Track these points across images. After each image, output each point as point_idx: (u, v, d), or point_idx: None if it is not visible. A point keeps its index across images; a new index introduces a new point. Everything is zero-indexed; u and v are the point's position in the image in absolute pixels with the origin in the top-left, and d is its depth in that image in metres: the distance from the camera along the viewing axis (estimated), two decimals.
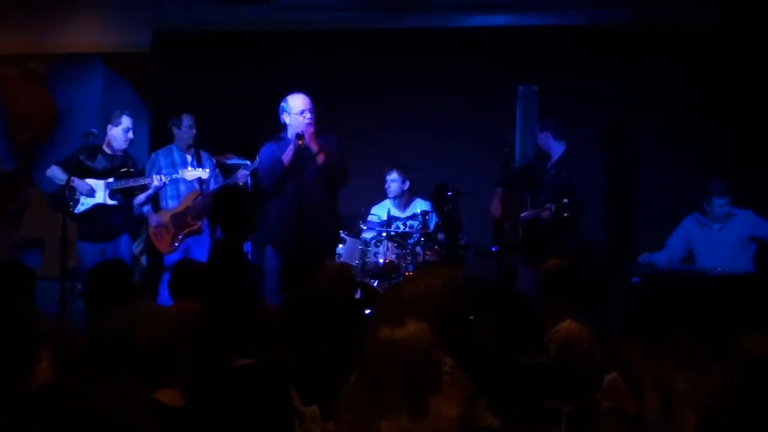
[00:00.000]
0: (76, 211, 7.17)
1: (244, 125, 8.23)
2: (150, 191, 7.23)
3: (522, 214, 7.14)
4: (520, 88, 7.94)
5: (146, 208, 7.40)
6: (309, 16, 8.52)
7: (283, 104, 6.80)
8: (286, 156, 6.68)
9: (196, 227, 7.36)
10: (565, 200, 6.71)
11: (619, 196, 8.08)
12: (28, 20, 8.96)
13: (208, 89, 8.48)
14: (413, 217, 7.68)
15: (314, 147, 6.68)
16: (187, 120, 7.49)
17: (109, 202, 7.17)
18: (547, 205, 6.81)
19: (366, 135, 8.35)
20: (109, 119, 7.34)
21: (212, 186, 7.41)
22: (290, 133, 6.75)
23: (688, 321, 3.46)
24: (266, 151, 6.88)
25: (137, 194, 7.30)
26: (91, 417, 2.11)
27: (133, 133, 7.35)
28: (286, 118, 6.79)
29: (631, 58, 8.02)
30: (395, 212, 7.83)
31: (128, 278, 4.69)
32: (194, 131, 7.50)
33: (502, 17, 8.36)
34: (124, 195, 7.26)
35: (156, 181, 7.11)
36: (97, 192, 7.17)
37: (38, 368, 2.79)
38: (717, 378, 2.93)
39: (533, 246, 6.97)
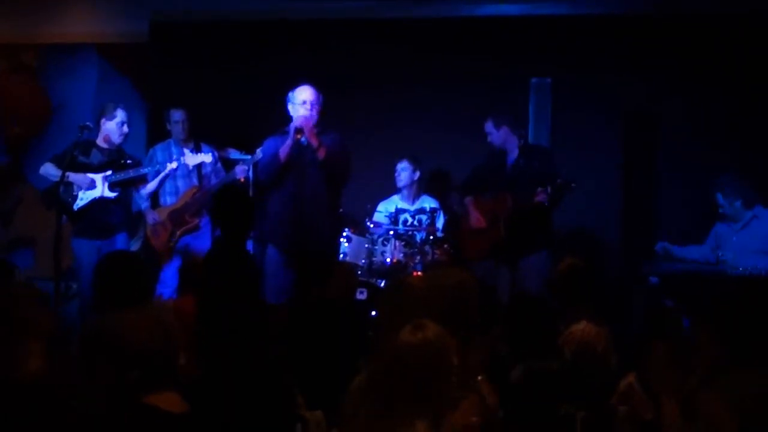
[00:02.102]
0: (75, 207, 6.97)
1: (244, 118, 8.10)
2: (161, 176, 7.09)
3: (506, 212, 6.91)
4: (533, 80, 7.76)
5: (144, 205, 7.28)
6: (312, 6, 8.37)
7: (289, 94, 6.72)
8: (283, 151, 6.60)
9: (193, 224, 7.27)
10: (559, 180, 6.61)
11: (636, 194, 7.84)
12: (17, 9, 8.81)
13: (206, 81, 8.35)
14: (422, 210, 7.46)
15: (314, 142, 6.57)
16: (176, 115, 7.41)
17: (109, 194, 6.98)
18: (540, 189, 6.63)
19: (372, 129, 8.19)
20: (104, 113, 7.17)
21: (213, 181, 7.34)
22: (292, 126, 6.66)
23: (716, 325, 3.39)
24: (268, 144, 6.80)
25: (138, 187, 7.16)
26: (76, 417, 2.24)
27: (128, 126, 7.17)
28: (290, 109, 6.68)
29: (651, 48, 7.81)
30: (403, 205, 7.66)
31: (141, 274, 4.48)
32: (180, 126, 7.40)
33: (514, 6, 8.17)
34: (123, 188, 7.07)
35: (170, 166, 7.00)
36: (98, 186, 6.97)
37: (29, 358, 2.83)
38: (750, 386, 2.97)
39: (522, 239, 6.81)
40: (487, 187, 7.14)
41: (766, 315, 3.51)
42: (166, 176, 7.12)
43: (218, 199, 5.34)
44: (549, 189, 6.59)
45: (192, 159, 7.08)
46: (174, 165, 7.02)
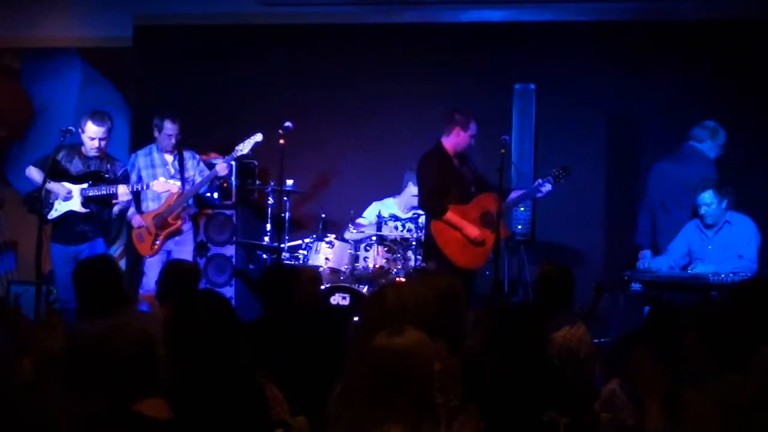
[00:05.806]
0: (48, 217, 6.86)
1: (228, 122, 8.09)
2: (124, 202, 7.02)
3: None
4: (517, 86, 7.68)
5: (130, 211, 7.25)
6: (296, 10, 8.36)
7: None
8: None
9: (176, 227, 7.25)
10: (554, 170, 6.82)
11: (619, 201, 7.89)
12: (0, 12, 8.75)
13: (190, 86, 8.33)
14: (412, 220, 7.28)
15: None
16: (169, 128, 7.23)
17: (82, 210, 6.85)
18: (540, 181, 6.74)
19: (355, 135, 8.19)
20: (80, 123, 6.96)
21: (196, 184, 7.30)
22: None
23: (700, 331, 3.38)
24: None
25: (113, 203, 7.01)
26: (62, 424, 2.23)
27: (102, 141, 6.91)
28: None
29: (633, 55, 7.85)
30: (396, 212, 7.57)
31: (118, 279, 4.45)
32: (173, 140, 7.27)
33: (498, 12, 8.21)
34: (98, 203, 6.93)
35: (123, 197, 6.86)
36: (74, 197, 6.85)
37: (20, 368, 2.89)
38: (737, 389, 2.97)
39: None
40: (457, 194, 6.93)
41: (749, 318, 3.51)
42: (128, 203, 7.07)
43: None
44: (551, 177, 6.81)
45: (160, 186, 6.95)
46: (135, 187, 6.92)
